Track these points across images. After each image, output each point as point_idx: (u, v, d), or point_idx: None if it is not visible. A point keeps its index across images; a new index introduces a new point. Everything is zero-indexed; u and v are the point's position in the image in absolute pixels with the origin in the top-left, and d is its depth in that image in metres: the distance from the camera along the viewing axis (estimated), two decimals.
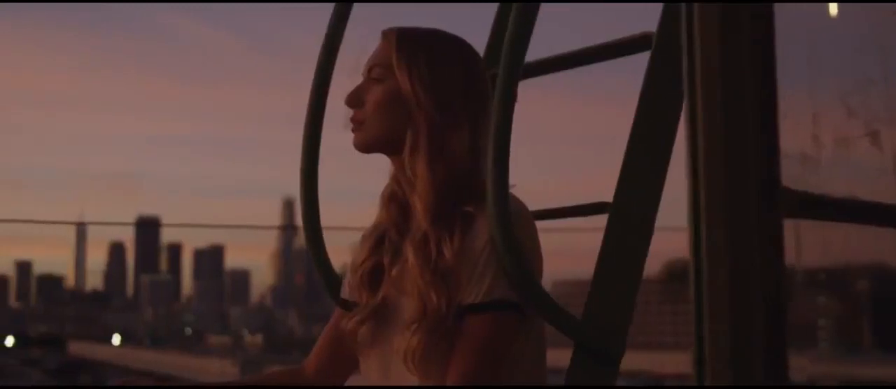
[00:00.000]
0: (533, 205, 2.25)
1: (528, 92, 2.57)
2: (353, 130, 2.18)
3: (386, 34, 2.19)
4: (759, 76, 1.09)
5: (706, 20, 1.09)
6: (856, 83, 1.61)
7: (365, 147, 2.17)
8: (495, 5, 2.81)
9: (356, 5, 2.43)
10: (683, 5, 1.11)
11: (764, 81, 1.09)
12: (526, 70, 2.57)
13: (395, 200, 2.19)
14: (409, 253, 2.07)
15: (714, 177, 1.08)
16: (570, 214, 2.47)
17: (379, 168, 2.23)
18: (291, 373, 2.40)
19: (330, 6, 2.44)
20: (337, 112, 2.25)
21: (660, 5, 2.30)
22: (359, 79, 2.21)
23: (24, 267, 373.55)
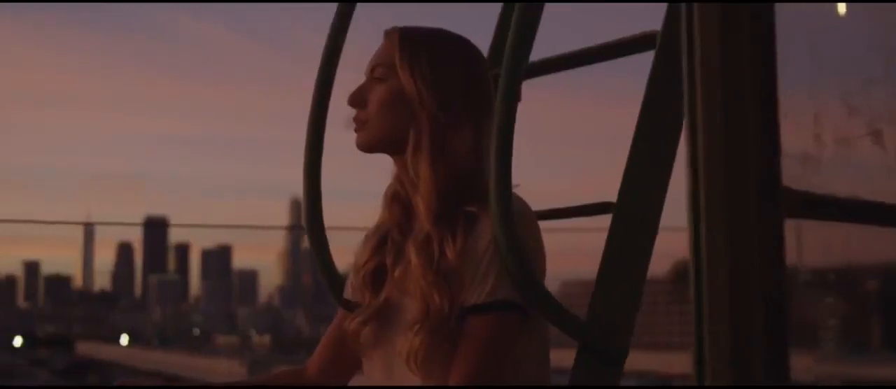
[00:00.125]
0: (537, 205, 2.25)
1: (532, 91, 2.57)
2: (355, 130, 2.17)
3: (388, 33, 2.18)
4: (760, 75, 1.09)
5: (706, 20, 1.09)
6: (858, 82, 1.61)
7: (367, 147, 2.17)
8: (499, 5, 2.80)
9: (359, 5, 2.43)
10: (683, 5, 1.11)
11: (764, 81, 1.09)
12: (530, 70, 2.58)
13: (398, 200, 2.18)
14: (412, 254, 2.06)
15: (714, 176, 1.08)
16: (573, 214, 2.47)
17: (384, 168, 2.22)
18: (294, 374, 2.40)
19: (343, 4, 2.44)
20: (342, 112, 2.25)
21: (664, 4, 2.29)
22: (362, 79, 2.20)
23: (31, 268, 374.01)
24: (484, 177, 2.03)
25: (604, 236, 2.21)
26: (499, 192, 1.93)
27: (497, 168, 1.93)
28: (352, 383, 2.37)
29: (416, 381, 2.04)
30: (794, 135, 1.23)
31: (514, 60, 1.96)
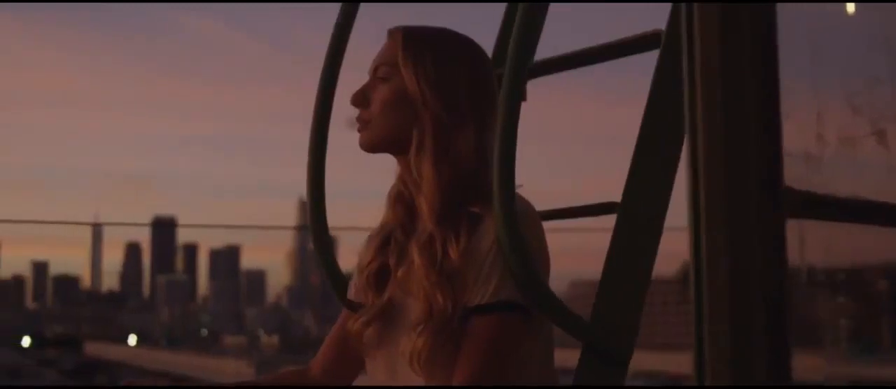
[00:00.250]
0: (541, 206, 2.24)
1: (536, 91, 2.56)
2: (358, 130, 2.17)
3: (392, 33, 2.18)
4: (761, 75, 1.08)
5: (706, 19, 1.08)
6: (862, 82, 1.60)
7: (371, 146, 2.16)
8: (504, 6, 2.80)
9: (363, 5, 2.42)
10: (683, 5, 1.10)
11: (765, 80, 1.08)
12: (534, 69, 2.57)
13: (402, 201, 2.18)
14: (415, 254, 2.06)
15: (714, 176, 1.07)
16: (578, 215, 2.46)
17: (389, 168, 2.22)
18: (298, 374, 2.39)
19: (347, 4, 2.43)
20: (346, 112, 2.25)
21: (668, 4, 2.29)
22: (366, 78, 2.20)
23: (40, 268, 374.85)
24: (487, 177, 2.02)
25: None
26: (502, 192, 1.93)
27: (500, 168, 1.93)
28: (356, 383, 2.36)
29: (420, 382, 2.03)
30: (796, 135, 1.22)
31: (518, 60, 1.95)
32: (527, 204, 2.06)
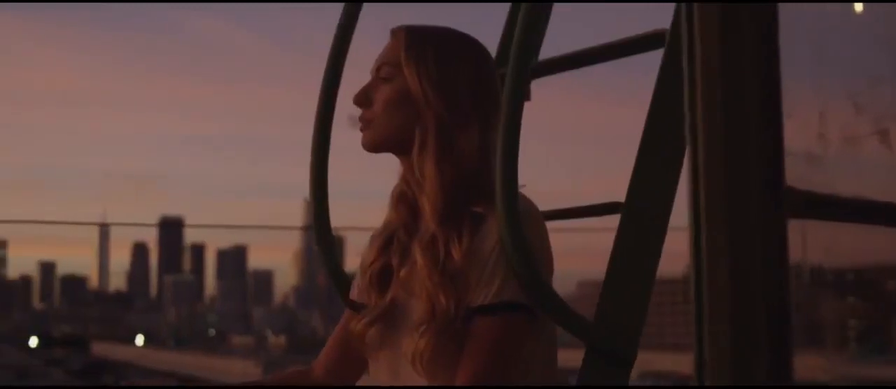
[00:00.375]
0: (544, 206, 2.24)
1: (540, 91, 2.56)
2: (361, 130, 2.16)
3: (395, 32, 2.17)
4: (761, 74, 1.08)
5: (706, 19, 1.08)
6: (865, 81, 1.60)
7: (373, 146, 2.16)
8: (508, 5, 2.79)
9: (366, 4, 2.42)
10: (684, 4, 1.10)
11: (766, 79, 1.08)
12: (537, 69, 2.57)
13: (404, 201, 2.17)
14: (418, 255, 2.05)
15: (714, 176, 1.07)
16: (581, 215, 2.46)
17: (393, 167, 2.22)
18: (301, 374, 2.39)
19: (350, 4, 2.43)
20: (349, 111, 2.24)
21: (672, 3, 2.28)
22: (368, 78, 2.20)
23: (47, 268, 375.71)
24: (490, 176, 2.02)
25: None
26: (505, 192, 1.92)
27: (503, 168, 1.92)
28: (358, 384, 2.36)
29: (422, 382, 2.03)
30: (798, 135, 1.22)
31: (520, 60, 1.95)
32: (530, 204, 2.06)
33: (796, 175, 1.13)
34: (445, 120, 2.07)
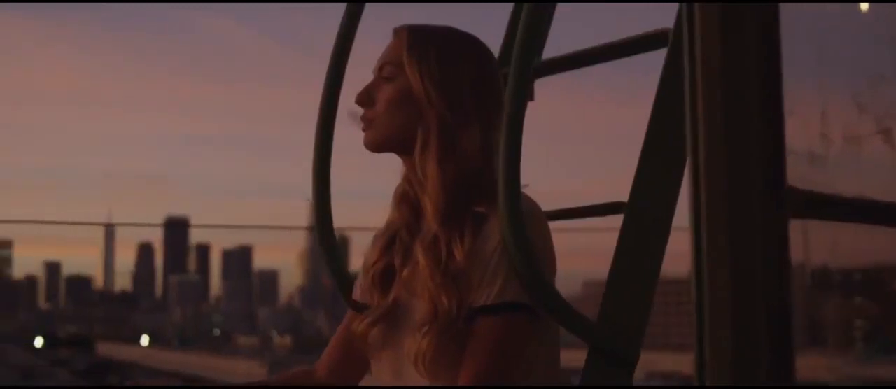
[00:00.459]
0: (547, 206, 2.23)
1: (543, 90, 2.55)
2: (363, 129, 2.16)
3: (397, 32, 2.17)
4: (763, 73, 1.07)
5: (707, 18, 1.07)
6: (867, 80, 1.59)
7: (375, 146, 2.15)
8: (511, 5, 2.79)
9: (368, 5, 2.42)
10: (685, 4, 1.10)
11: (767, 79, 1.07)
12: (540, 69, 2.56)
13: (407, 200, 2.17)
14: (420, 255, 2.04)
15: (715, 175, 1.07)
16: (584, 215, 2.45)
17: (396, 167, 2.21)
18: (304, 375, 2.39)
19: (355, 4, 2.43)
20: (351, 110, 2.24)
21: (676, 3, 2.28)
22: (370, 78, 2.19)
23: (52, 268, 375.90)
24: (493, 176, 2.01)
25: None
26: (507, 192, 1.92)
27: (506, 168, 1.92)
28: (361, 384, 2.35)
29: (425, 382, 2.02)
30: (800, 134, 1.22)
31: (523, 59, 1.94)
32: (532, 204, 2.05)
33: (798, 174, 1.13)
34: (448, 119, 2.07)
